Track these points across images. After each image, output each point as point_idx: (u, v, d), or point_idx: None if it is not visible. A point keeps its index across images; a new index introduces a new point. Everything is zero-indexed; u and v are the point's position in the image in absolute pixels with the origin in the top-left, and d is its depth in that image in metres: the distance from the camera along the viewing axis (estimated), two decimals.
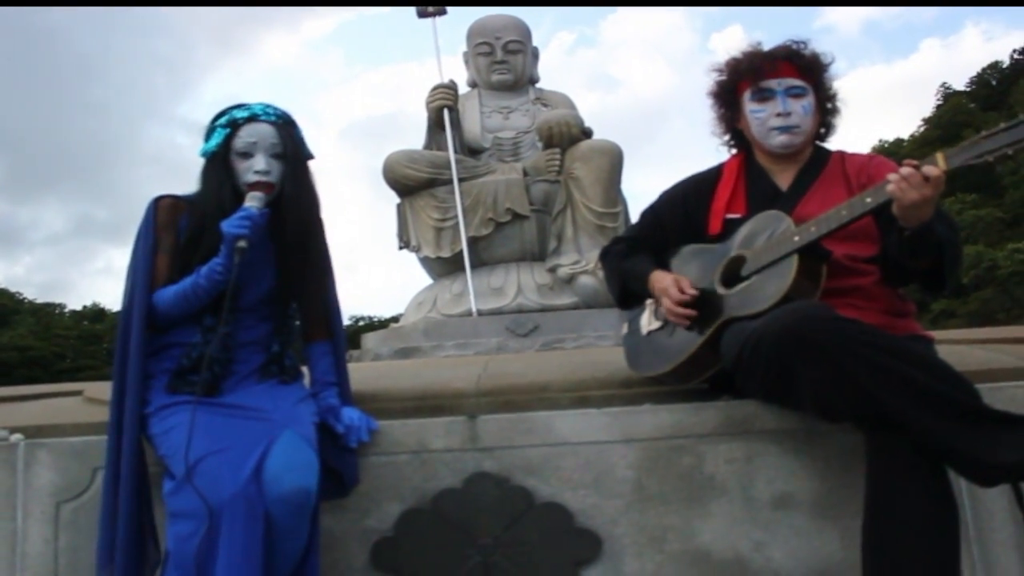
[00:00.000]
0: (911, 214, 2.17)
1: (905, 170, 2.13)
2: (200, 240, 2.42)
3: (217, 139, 2.47)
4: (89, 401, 3.18)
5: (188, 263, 2.40)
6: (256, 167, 2.43)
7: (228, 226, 2.30)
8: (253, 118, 2.47)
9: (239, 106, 2.51)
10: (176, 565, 2.10)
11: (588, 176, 6.14)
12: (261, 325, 2.50)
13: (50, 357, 44.74)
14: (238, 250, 2.28)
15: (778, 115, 2.61)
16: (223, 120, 2.49)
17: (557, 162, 6.28)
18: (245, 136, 2.45)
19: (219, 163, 2.47)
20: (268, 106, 2.52)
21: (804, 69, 2.66)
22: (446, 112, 6.55)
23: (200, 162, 2.52)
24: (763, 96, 2.64)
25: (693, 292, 2.53)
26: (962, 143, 2.13)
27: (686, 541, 2.45)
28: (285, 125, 2.51)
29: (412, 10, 7.16)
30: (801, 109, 2.62)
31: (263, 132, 2.46)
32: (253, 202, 2.36)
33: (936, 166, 2.12)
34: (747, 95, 2.68)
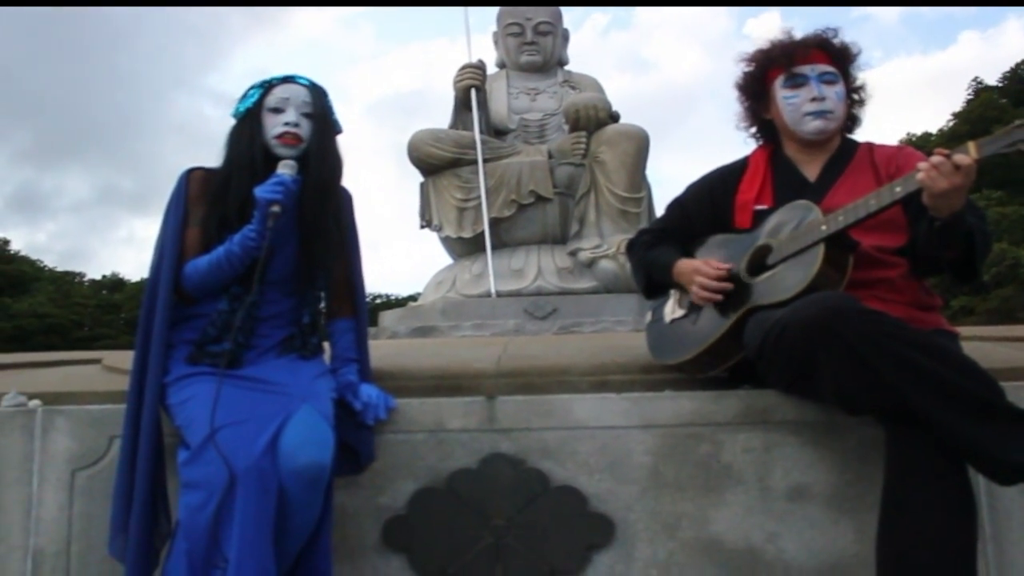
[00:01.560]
0: (942, 203, 2.13)
1: (935, 158, 2.09)
2: (227, 194, 2.44)
3: (253, 97, 2.51)
4: (108, 369, 3.20)
5: (224, 221, 2.41)
6: (286, 119, 2.46)
7: (262, 192, 2.31)
8: (288, 79, 2.53)
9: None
10: (186, 535, 2.11)
11: (613, 160, 6.11)
12: (285, 300, 2.49)
13: (68, 325, 44.95)
14: (271, 215, 2.29)
15: (813, 100, 2.59)
16: (258, 82, 2.54)
17: (583, 145, 6.25)
18: (279, 93, 2.49)
19: (252, 120, 2.49)
20: (303, 75, 2.58)
21: (835, 57, 2.64)
22: (473, 92, 6.52)
23: (227, 128, 2.56)
24: (796, 82, 2.62)
25: (725, 266, 2.52)
26: (995, 132, 2.08)
27: (699, 529, 2.44)
28: (319, 91, 2.55)
29: None
30: (835, 95, 2.60)
31: (296, 91, 2.51)
32: (286, 169, 2.38)
33: (967, 154, 2.08)
34: (779, 82, 2.65)
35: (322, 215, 2.49)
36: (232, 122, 2.55)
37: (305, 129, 2.48)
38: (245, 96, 2.53)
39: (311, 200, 2.47)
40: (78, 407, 2.61)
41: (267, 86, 2.52)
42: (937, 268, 2.39)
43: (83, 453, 2.55)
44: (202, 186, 2.49)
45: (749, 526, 2.43)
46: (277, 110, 2.47)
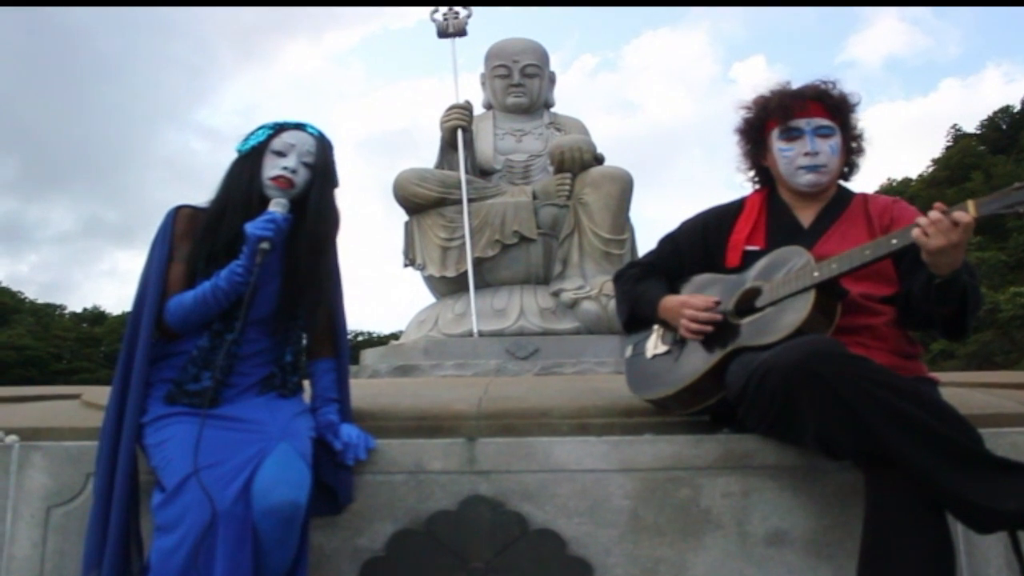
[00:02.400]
0: (940, 260, 2.15)
1: (933, 214, 2.11)
2: (219, 228, 2.44)
3: (260, 137, 2.54)
4: (87, 405, 3.17)
5: (212, 256, 2.42)
6: (285, 164, 2.48)
7: (253, 228, 2.33)
8: (299, 127, 2.56)
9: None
10: None
11: (597, 202, 6.14)
12: (265, 339, 2.49)
13: (47, 358, 44.69)
14: (260, 251, 2.31)
15: (806, 154, 2.62)
16: (270, 123, 2.57)
17: (567, 187, 6.28)
18: (287, 138, 2.53)
19: (255, 158, 2.52)
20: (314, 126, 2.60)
21: (832, 109, 2.67)
22: (460, 132, 6.55)
23: (220, 165, 2.58)
24: (791, 135, 2.65)
25: (714, 299, 2.53)
26: (996, 192, 2.09)
27: (677, 574, 2.42)
28: (325, 144, 2.58)
29: (434, 27, 7.19)
30: (829, 149, 2.63)
31: (304, 139, 2.54)
32: (278, 208, 2.40)
33: (967, 212, 2.09)
34: (775, 133, 2.69)
35: (314, 268, 2.51)
36: (234, 155, 2.57)
37: (301, 177, 2.50)
38: (254, 133, 2.56)
39: (305, 251, 2.48)
40: (55, 443, 2.59)
41: (277, 128, 2.55)
42: (928, 323, 2.41)
43: (59, 490, 2.52)
44: (189, 224, 2.49)
45: (727, 571, 2.42)
46: (280, 153, 2.50)
